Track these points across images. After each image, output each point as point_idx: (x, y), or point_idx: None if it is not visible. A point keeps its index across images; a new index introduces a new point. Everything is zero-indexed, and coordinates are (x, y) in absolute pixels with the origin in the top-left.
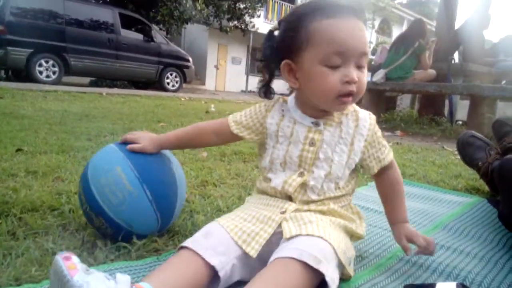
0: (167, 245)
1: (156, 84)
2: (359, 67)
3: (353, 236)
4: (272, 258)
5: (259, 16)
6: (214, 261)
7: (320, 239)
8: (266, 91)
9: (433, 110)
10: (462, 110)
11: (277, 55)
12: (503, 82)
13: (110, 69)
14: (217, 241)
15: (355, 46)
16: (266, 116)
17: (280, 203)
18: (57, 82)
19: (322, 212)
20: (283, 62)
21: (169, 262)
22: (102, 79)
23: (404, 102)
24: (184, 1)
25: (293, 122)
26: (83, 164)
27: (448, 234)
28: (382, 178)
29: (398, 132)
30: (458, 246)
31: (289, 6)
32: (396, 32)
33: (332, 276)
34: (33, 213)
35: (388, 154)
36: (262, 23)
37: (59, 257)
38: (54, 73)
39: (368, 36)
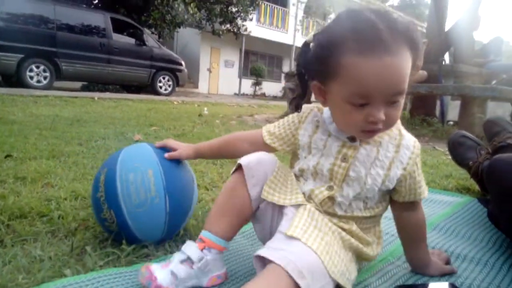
0: (158, 251)
1: (149, 88)
2: (391, 103)
3: (361, 257)
4: (265, 251)
5: (251, 20)
6: (253, 191)
7: (314, 255)
8: (298, 104)
9: (424, 110)
10: (453, 110)
11: (308, 71)
12: (493, 82)
13: (102, 73)
14: (262, 172)
15: (384, 88)
16: (299, 127)
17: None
18: (48, 87)
19: (341, 228)
20: (313, 83)
21: (226, 186)
22: (94, 84)
23: None
24: (176, 5)
25: (327, 134)
26: (74, 170)
27: (439, 234)
28: (407, 217)
29: None
30: (449, 247)
31: (281, 9)
32: None
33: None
34: (22, 220)
35: (424, 190)
36: (255, 26)
37: None
38: (45, 78)
39: None
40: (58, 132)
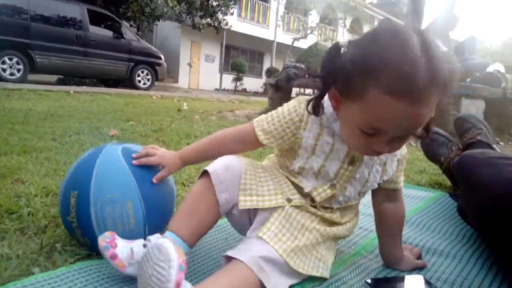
0: None
1: (127, 82)
2: (400, 138)
3: (339, 238)
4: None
5: (232, 14)
6: (221, 197)
7: (277, 255)
8: (316, 106)
9: None
10: None
11: (332, 79)
12: (468, 80)
13: (78, 66)
14: (230, 178)
15: (399, 131)
16: (300, 127)
17: (293, 189)
18: (22, 80)
19: (323, 219)
20: (331, 90)
21: (192, 191)
22: (70, 77)
23: None
24: None
25: (332, 135)
26: (46, 165)
27: (411, 228)
28: (393, 209)
29: None
30: (420, 241)
31: (263, 5)
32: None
33: (275, 284)
34: None
35: (402, 180)
36: (236, 21)
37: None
38: (18, 70)
39: (340, 35)
40: (31, 127)
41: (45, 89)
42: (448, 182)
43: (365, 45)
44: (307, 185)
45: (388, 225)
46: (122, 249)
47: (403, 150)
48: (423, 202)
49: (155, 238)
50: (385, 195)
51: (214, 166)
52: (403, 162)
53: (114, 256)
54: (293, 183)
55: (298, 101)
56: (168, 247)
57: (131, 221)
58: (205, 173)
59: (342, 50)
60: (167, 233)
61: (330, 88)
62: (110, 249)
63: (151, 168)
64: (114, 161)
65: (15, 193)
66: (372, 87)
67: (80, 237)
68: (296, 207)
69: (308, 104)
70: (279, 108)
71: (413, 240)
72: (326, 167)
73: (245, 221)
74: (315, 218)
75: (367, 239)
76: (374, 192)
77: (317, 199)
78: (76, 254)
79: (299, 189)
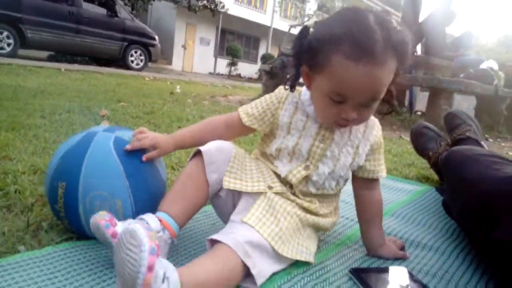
0: None
1: (120, 61)
2: (366, 106)
3: (320, 228)
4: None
5: None
6: (211, 177)
7: (262, 239)
8: (292, 84)
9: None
10: (422, 101)
11: (301, 56)
12: (461, 75)
13: (70, 43)
14: (222, 159)
15: (361, 94)
16: (278, 107)
17: (274, 178)
18: (12, 55)
19: (302, 208)
20: (302, 67)
21: (184, 171)
22: (62, 54)
23: None
24: None
25: (306, 116)
26: (34, 143)
27: (396, 220)
28: (367, 196)
29: None
30: (404, 233)
31: None
32: None
33: (260, 269)
34: None
35: (383, 170)
36: (232, 5)
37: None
38: (8, 45)
39: None
40: (20, 103)
41: (35, 65)
42: (435, 177)
43: (328, 22)
44: (283, 169)
45: (365, 211)
46: (121, 227)
47: (377, 137)
48: (409, 195)
49: (151, 220)
50: (363, 182)
51: (208, 146)
52: (380, 151)
53: (115, 234)
54: (273, 172)
55: (279, 88)
56: (139, 231)
57: (120, 218)
58: (197, 154)
59: (311, 30)
60: (158, 213)
61: (301, 66)
62: (110, 228)
63: (144, 164)
64: (105, 155)
65: (2, 170)
66: (335, 55)
67: (67, 225)
68: (277, 193)
69: (285, 83)
70: (263, 96)
71: (397, 232)
72: (299, 145)
73: (229, 205)
74: (295, 205)
75: (352, 229)
76: (354, 179)
77: (293, 180)
78: (63, 233)
79: (278, 177)
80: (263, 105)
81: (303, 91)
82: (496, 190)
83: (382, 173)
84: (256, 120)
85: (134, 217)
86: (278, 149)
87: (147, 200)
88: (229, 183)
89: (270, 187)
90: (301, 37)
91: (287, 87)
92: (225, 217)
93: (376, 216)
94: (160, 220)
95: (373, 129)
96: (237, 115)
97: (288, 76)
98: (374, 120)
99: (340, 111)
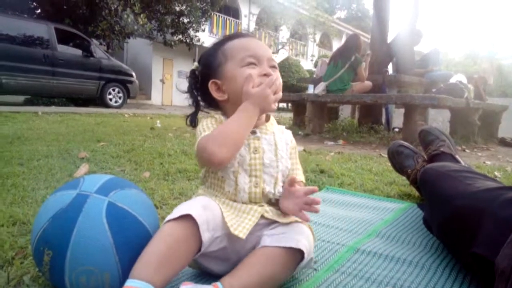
0: None
1: (98, 100)
2: (272, 67)
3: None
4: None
5: (203, 30)
6: (205, 236)
7: (302, 225)
8: (193, 119)
9: (371, 119)
10: (399, 117)
11: (202, 82)
12: (433, 90)
13: (46, 86)
14: (211, 216)
15: (263, 51)
16: None
17: (253, 204)
18: None
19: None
20: (210, 82)
21: (170, 235)
22: (38, 97)
23: (345, 111)
24: (125, 16)
25: None
26: (13, 192)
27: (381, 241)
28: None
29: (341, 141)
30: (389, 253)
31: (233, 21)
32: (336, 45)
33: (308, 250)
34: None
35: (302, 174)
36: (207, 37)
37: None
38: None
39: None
40: None
41: (11, 111)
42: (416, 193)
43: (208, 47)
44: (243, 196)
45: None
46: None
47: (293, 141)
48: (392, 214)
49: None
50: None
51: (196, 210)
52: (296, 151)
53: None
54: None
55: (205, 117)
56: None
57: None
58: (182, 217)
59: (196, 69)
60: (137, 282)
61: (198, 101)
62: None
63: (136, 235)
64: (96, 227)
65: None
66: (225, 45)
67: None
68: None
69: (188, 120)
70: (203, 125)
71: (382, 252)
72: (240, 160)
73: (229, 249)
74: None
75: (338, 253)
76: None
77: (257, 199)
78: (45, 287)
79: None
80: (214, 126)
81: (219, 114)
82: (469, 206)
83: (302, 177)
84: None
85: (120, 281)
86: (223, 170)
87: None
88: (243, 230)
89: (260, 205)
90: (193, 76)
91: (191, 123)
92: (227, 259)
93: None
94: None
95: (289, 134)
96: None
97: (188, 115)
98: (285, 128)
99: (259, 71)
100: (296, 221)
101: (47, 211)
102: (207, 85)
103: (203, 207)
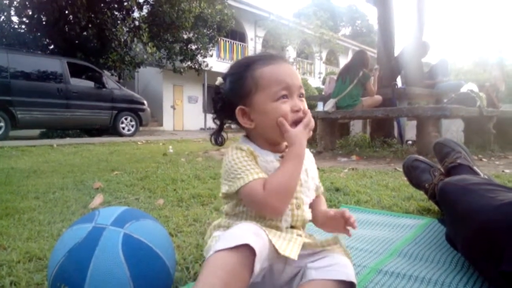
0: None
1: (111, 130)
2: (300, 97)
3: None
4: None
5: (211, 56)
6: (257, 268)
7: (343, 256)
8: (217, 137)
9: (383, 133)
10: (411, 130)
11: (229, 104)
12: (445, 100)
13: (61, 119)
14: (262, 244)
15: (295, 81)
16: (254, 159)
17: (289, 233)
18: (3, 137)
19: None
20: (237, 109)
21: (222, 267)
22: (53, 130)
23: (356, 127)
24: (134, 46)
25: (265, 156)
26: (29, 227)
27: (404, 260)
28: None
29: (354, 157)
30: (413, 273)
31: (240, 45)
32: (343, 61)
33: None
34: None
35: (321, 186)
36: (215, 62)
37: None
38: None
39: (318, 67)
40: (13, 187)
41: (27, 145)
42: (436, 207)
43: (235, 65)
44: (287, 219)
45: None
46: None
47: (311, 157)
48: (413, 231)
49: None
50: (316, 203)
51: (252, 238)
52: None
53: None
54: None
55: (235, 148)
56: None
57: None
58: (237, 248)
59: (220, 86)
60: None
61: (223, 120)
62: None
63: (152, 267)
64: (113, 260)
65: None
66: (256, 71)
67: None
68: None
69: (212, 138)
70: (235, 160)
71: (406, 271)
72: None
73: (277, 273)
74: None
75: (361, 275)
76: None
77: (298, 224)
78: None
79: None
80: (249, 163)
81: (246, 143)
82: (494, 221)
83: (322, 189)
84: (264, 174)
85: None
86: None
87: None
88: (292, 252)
89: (299, 235)
90: (218, 92)
91: (214, 141)
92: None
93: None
94: None
95: (309, 154)
96: (259, 182)
97: (211, 134)
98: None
99: (290, 105)
100: (334, 243)
101: (64, 246)
102: (233, 108)
103: (255, 235)
